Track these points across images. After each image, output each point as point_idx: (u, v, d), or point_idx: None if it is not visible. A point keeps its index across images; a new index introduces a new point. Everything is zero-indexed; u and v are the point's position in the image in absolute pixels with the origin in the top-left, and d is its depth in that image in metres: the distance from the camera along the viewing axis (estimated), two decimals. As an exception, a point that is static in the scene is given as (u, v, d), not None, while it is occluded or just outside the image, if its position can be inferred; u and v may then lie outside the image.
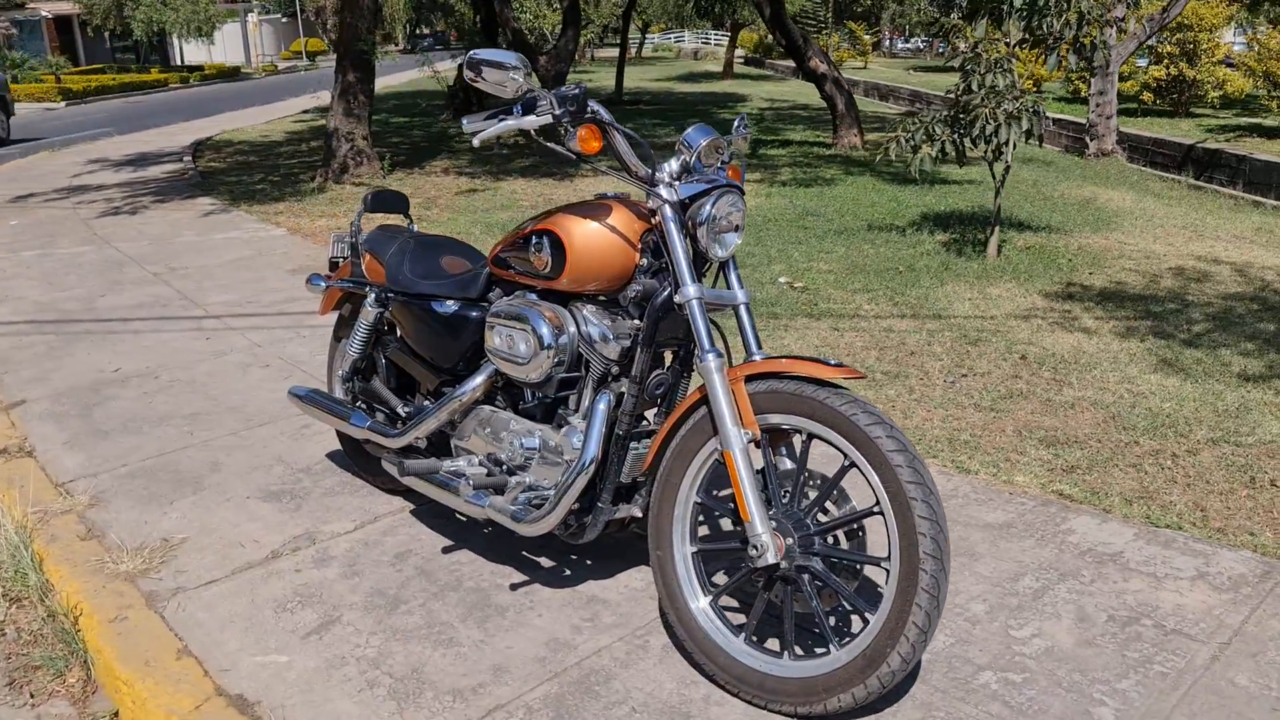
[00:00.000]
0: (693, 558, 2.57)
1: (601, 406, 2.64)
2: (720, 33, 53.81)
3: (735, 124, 2.76)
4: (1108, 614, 2.73)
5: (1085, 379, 4.62)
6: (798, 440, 2.49)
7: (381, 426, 3.23)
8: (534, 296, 2.86)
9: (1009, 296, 6.14)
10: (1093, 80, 13.03)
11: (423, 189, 10.20)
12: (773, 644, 2.52)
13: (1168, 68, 18.45)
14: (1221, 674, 2.47)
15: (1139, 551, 3.03)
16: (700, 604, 2.54)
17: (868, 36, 37.65)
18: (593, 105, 2.54)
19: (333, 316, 3.79)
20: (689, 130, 2.62)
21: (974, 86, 6.76)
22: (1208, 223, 8.89)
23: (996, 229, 7.29)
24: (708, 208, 2.50)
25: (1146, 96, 19.16)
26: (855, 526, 2.40)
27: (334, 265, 3.72)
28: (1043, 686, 2.44)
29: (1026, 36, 7.00)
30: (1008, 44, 7.06)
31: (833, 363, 2.34)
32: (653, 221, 2.64)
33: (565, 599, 2.92)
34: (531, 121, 2.53)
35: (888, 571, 2.26)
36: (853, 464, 2.30)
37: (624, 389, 2.69)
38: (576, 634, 2.75)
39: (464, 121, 2.64)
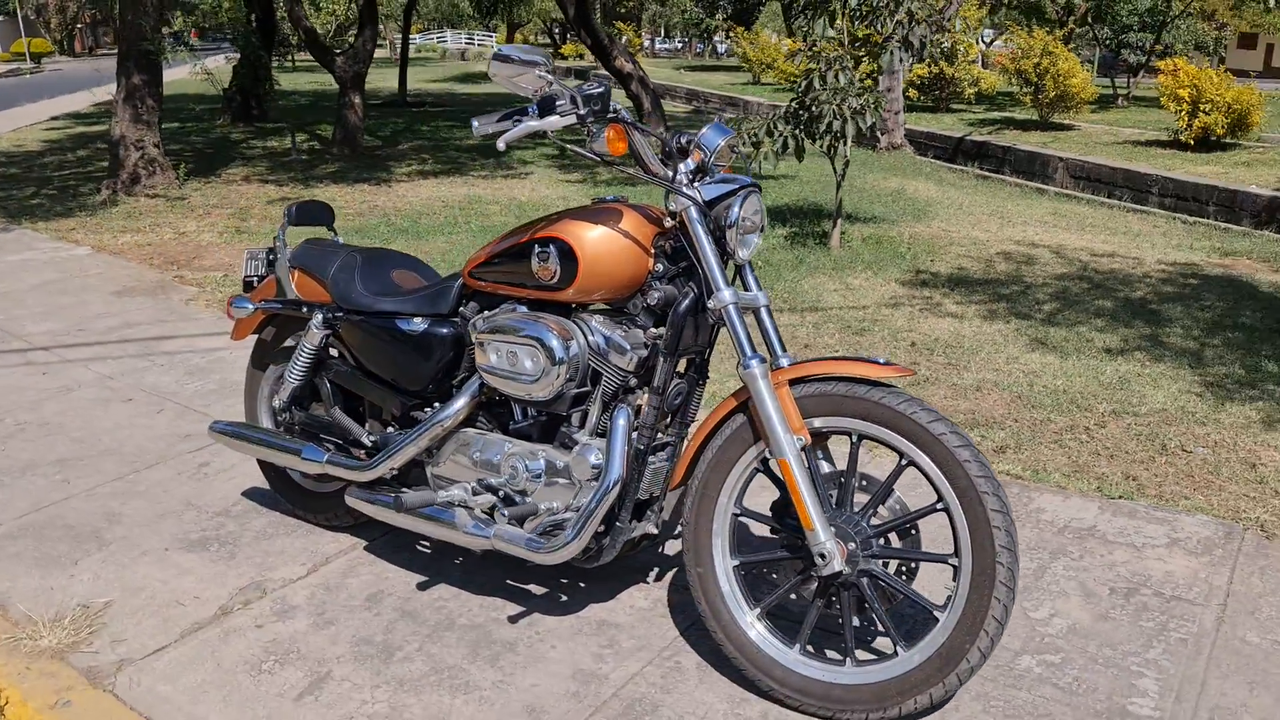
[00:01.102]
0: (735, 571, 2.48)
1: (621, 422, 2.51)
2: (485, 33, 53.38)
3: (716, 123, 2.69)
4: (1109, 587, 2.84)
5: (977, 362, 4.83)
6: (832, 442, 2.47)
7: (344, 459, 2.95)
8: (524, 309, 2.69)
9: (870, 286, 6.36)
10: (880, 78, 13.71)
11: (229, 199, 9.52)
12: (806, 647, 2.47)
13: (930, 66, 19.72)
14: (1232, 634, 2.62)
15: (1109, 524, 3.18)
16: (749, 618, 2.45)
17: (637, 37, 38.28)
18: (614, 104, 2.41)
19: (225, 340, 3.46)
20: (705, 130, 2.52)
21: (816, 83, 6.95)
22: (1009, 209, 9.54)
23: (839, 221, 7.54)
24: (736, 209, 2.42)
25: (912, 93, 20.42)
26: (908, 526, 2.38)
27: (249, 285, 3.38)
28: (1081, 665, 2.51)
29: (859, 35, 7.28)
30: (843, 43, 7.31)
31: (882, 361, 2.31)
32: (666, 225, 2.53)
33: (573, 627, 2.76)
34: (554, 122, 2.37)
35: (955, 568, 2.25)
36: (910, 462, 2.28)
37: (640, 401, 2.57)
38: (600, 663, 2.61)
39: (474, 123, 2.45)
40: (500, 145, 2.41)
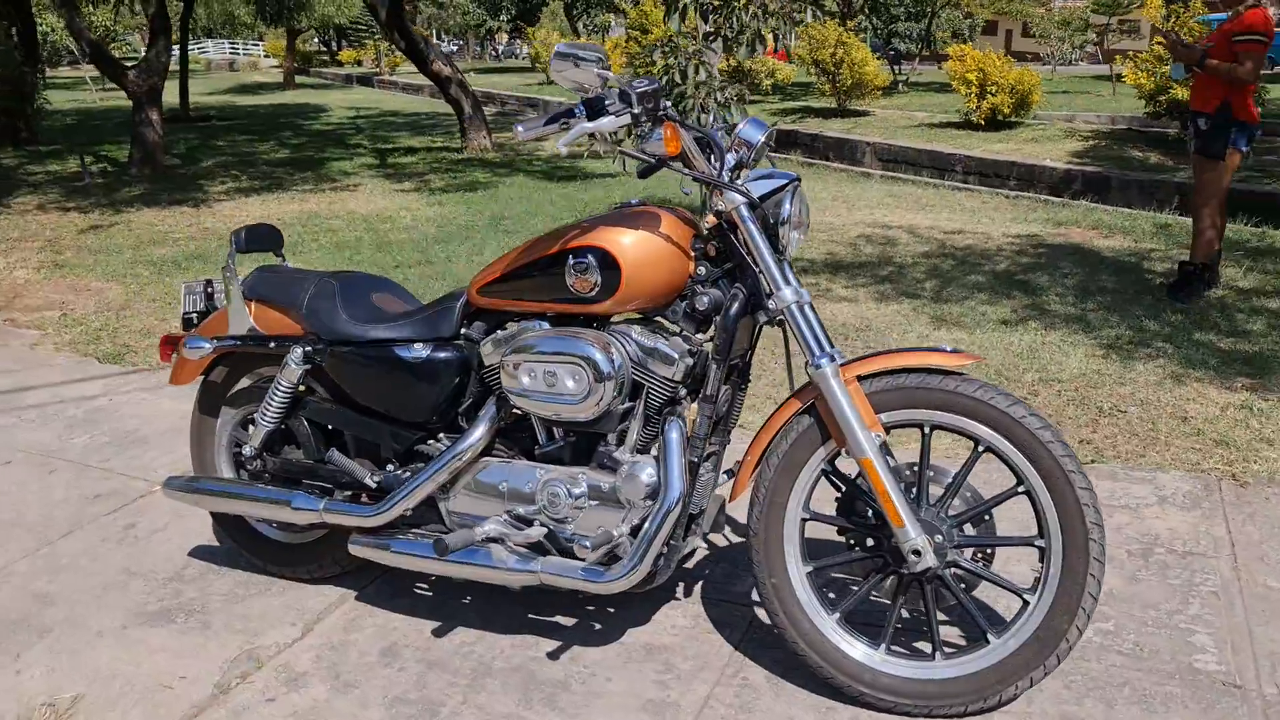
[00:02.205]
0: (809, 578, 2.40)
1: (675, 435, 2.39)
2: (253, 42, 50.89)
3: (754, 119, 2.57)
4: (1125, 550, 2.94)
5: (894, 343, 4.94)
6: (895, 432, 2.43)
7: (346, 505, 2.69)
8: (545, 325, 2.52)
9: (755, 277, 6.41)
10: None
11: (32, 231, 8.64)
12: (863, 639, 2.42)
13: (729, 58, 20.20)
14: (1253, 581, 2.76)
15: (1097, 488, 3.28)
16: (830, 625, 2.38)
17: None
18: (663, 102, 2.28)
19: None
20: (743, 126, 2.43)
21: (678, 78, 6.94)
22: (848, 193, 9.87)
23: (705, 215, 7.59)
24: (788, 205, 2.34)
25: (711, 86, 20.88)
26: (983, 513, 2.37)
27: (188, 323, 3.04)
28: (1135, 629, 2.58)
29: (713, 30, 7.32)
30: (694, 37, 7.33)
31: (949, 349, 2.29)
32: (705, 226, 2.42)
33: (621, 655, 2.62)
34: (608, 123, 2.22)
35: (1041, 549, 2.26)
36: (988, 449, 2.26)
37: (684, 412, 2.45)
38: (665, 690, 2.48)
39: (518, 128, 2.26)
40: (562, 149, 2.24)
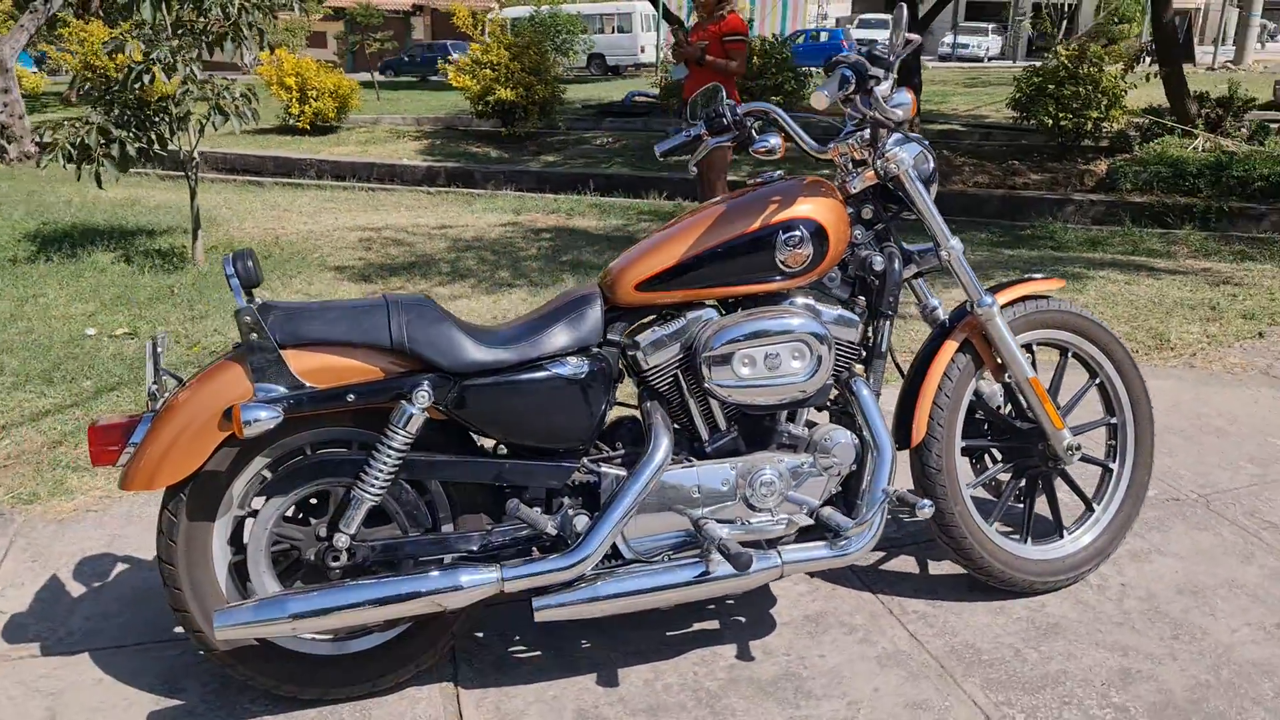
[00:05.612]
0: (972, 499, 2.64)
1: (866, 392, 2.46)
2: None
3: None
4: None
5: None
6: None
7: (534, 564, 2.18)
8: (712, 313, 2.37)
9: (329, 288, 5.94)
10: (-3, 79, 11.68)
11: None
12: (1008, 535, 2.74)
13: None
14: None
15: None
16: (994, 533, 2.66)
17: None
18: None
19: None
20: (901, 90, 2.50)
21: (162, 76, 6.00)
22: (280, 202, 9.27)
23: (200, 234, 6.71)
24: (931, 162, 2.52)
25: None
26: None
27: (153, 397, 2.15)
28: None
29: (186, 20, 6.44)
30: (163, 31, 6.38)
31: (1039, 276, 2.71)
32: (853, 190, 2.48)
33: (801, 633, 2.58)
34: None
35: (1114, 426, 2.81)
36: (1074, 353, 2.74)
37: (859, 373, 2.52)
38: (875, 645, 2.54)
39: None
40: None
